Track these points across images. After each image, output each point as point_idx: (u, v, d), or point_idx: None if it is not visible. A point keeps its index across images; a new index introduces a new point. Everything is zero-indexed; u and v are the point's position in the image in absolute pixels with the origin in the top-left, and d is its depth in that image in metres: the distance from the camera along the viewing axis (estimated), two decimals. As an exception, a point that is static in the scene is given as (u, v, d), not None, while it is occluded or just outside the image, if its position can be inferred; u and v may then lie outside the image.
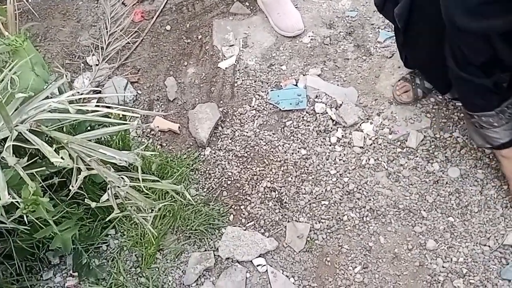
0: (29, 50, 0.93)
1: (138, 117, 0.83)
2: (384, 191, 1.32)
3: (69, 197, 1.00)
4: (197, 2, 1.79)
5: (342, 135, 1.42)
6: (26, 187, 0.85)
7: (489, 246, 1.22)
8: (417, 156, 1.36)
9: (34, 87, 0.91)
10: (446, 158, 1.34)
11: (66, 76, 0.73)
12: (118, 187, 0.86)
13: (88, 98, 1.53)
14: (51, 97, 0.88)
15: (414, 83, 1.41)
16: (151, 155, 0.86)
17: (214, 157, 1.47)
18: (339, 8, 1.69)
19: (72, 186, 0.85)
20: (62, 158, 0.66)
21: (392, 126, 1.41)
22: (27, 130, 0.68)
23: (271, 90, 1.55)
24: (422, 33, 1.12)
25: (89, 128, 1.00)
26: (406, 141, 1.38)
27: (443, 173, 1.32)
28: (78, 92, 1.54)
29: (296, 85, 1.56)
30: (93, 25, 1.75)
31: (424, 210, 1.29)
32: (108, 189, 0.89)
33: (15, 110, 0.69)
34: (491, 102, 1.11)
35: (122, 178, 0.86)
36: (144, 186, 0.89)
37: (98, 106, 0.73)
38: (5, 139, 0.71)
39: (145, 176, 0.94)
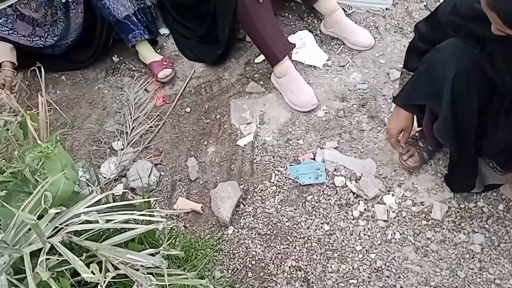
0: (59, 154, 0.99)
1: (163, 221, 0.86)
2: (413, 268, 1.28)
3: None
4: (215, 83, 1.88)
5: (365, 209, 1.42)
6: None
7: (531, 324, 1.15)
8: (443, 228, 1.33)
9: (65, 189, 0.95)
10: (473, 229, 1.30)
11: (96, 192, 0.77)
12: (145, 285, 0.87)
13: (114, 184, 1.59)
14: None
15: (417, 146, 1.42)
16: (176, 254, 0.87)
17: (237, 236, 1.48)
18: (350, 82, 1.75)
19: (101, 286, 0.86)
20: (92, 272, 0.68)
21: (415, 198, 1.40)
22: (59, 242, 0.71)
23: (290, 165, 1.58)
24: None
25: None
26: (431, 212, 1.36)
27: (471, 245, 1.29)
28: (105, 177, 1.60)
29: (314, 159, 1.58)
30: (118, 112, 1.85)
31: (457, 287, 1.24)
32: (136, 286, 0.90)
33: (48, 223, 0.74)
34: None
35: (149, 277, 0.87)
36: (170, 284, 0.90)
37: (124, 213, 0.76)
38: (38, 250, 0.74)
39: (170, 271, 0.95)
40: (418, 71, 1.16)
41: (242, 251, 1.44)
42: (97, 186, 1.06)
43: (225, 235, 1.48)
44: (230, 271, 1.41)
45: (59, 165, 0.98)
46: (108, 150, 1.74)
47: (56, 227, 0.74)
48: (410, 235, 1.34)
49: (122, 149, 1.72)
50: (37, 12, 1.76)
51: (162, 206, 1.58)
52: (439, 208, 1.34)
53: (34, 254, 0.83)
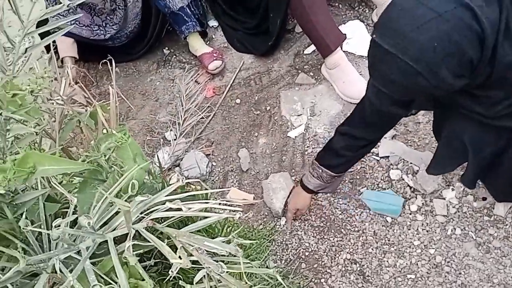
0: (131, 143, 1.03)
1: (240, 210, 0.88)
2: (475, 264, 1.25)
3: (167, 279, 1.04)
4: (264, 75, 1.89)
5: (423, 203, 1.39)
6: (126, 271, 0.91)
7: None
8: (506, 225, 1.29)
9: (137, 178, 0.98)
10: (541, 227, 1.26)
11: (182, 180, 0.80)
12: (215, 272, 0.90)
13: (168, 173, 1.63)
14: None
15: None
16: (247, 242, 0.89)
17: (290, 227, 1.48)
18: (404, 73, 1.71)
19: (172, 271, 0.89)
20: (179, 257, 0.70)
21: (476, 193, 1.36)
22: (143, 228, 0.74)
23: (367, 189, 1.47)
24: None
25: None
26: (493, 208, 1.32)
27: (539, 243, 1.24)
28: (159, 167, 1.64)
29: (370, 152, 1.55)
30: (170, 103, 1.89)
31: (523, 285, 1.20)
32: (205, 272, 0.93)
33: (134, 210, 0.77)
34: None
35: (220, 264, 0.90)
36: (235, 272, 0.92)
37: (202, 202, 0.79)
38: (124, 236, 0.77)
39: (237, 259, 0.97)
40: (439, 149, 1.18)
41: (295, 242, 1.45)
42: (181, 176, 1.09)
43: (277, 226, 1.50)
44: (283, 261, 1.42)
45: (131, 154, 1.02)
46: (162, 140, 1.78)
47: (139, 215, 0.77)
48: (471, 231, 1.30)
49: (175, 139, 1.76)
50: None
51: (214, 197, 1.61)
52: (502, 204, 1.30)
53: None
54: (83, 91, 1.36)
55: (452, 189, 1.38)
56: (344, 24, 1.92)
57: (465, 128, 1.06)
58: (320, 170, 1.29)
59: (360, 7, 1.96)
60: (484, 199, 1.34)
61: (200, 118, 1.81)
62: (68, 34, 1.84)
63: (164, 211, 0.75)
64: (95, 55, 1.99)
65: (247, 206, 1.57)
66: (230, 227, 1.48)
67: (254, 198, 1.58)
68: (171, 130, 1.80)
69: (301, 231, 1.47)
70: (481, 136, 1.04)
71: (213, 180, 1.66)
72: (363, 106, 1.16)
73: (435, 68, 0.78)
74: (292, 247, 1.44)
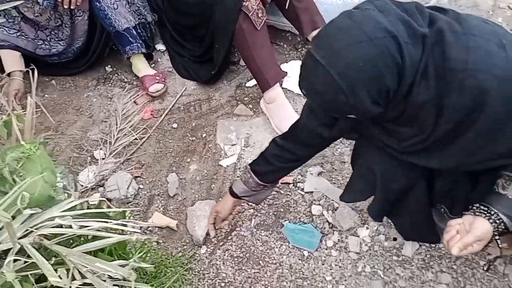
0: (41, 156, 1.00)
1: (137, 232, 0.85)
2: (380, 302, 1.30)
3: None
4: (204, 103, 1.91)
5: (339, 239, 1.43)
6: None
7: None
8: (412, 266, 1.35)
9: (42, 192, 0.95)
10: (441, 269, 1.33)
11: (75, 197, 0.77)
12: (111, 297, 0.87)
13: (91, 193, 1.58)
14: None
15: None
16: (146, 267, 0.87)
17: (210, 256, 1.47)
18: (336, 114, 1.79)
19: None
20: (59, 276, 0.68)
21: (388, 233, 1.42)
22: (29, 243, 0.71)
23: (289, 223, 1.49)
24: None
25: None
26: (402, 249, 1.38)
27: (438, 284, 1.31)
28: (82, 185, 1.59)
29: (294, 184, 1.59)
30: (104, 121, 1.85)
31: (422, 325, 1.25)
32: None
33: (21, 224, 0.73)
34: None
35: (115, 288, 0.87)
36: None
37: (99, 221, 0.77)
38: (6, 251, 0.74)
39: (138, 285, 0.94)
40: (352, 177, 1.27)
41: (213, 272, 1.43)
42: (75, 191, 1.05)
43: (197, 255, 1.48)
44: (198, 291, 1.40)
45: (39, 167, 0.98)
46: (89, 158, 1.73)
47: (28, 229, 0.73)
48: (379, 270, 1.35)
49: (103, 159, 1.72)
50: (41, 15, 1.78)
51: (137, 220, 1.57)
52: (410, 245, 1.37)
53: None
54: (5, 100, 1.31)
55: (367, 228, 1.44)
56: (287, 62, 2.00)
57: (378, 161, 1.12)
58: (248, 175, 1.32)
59: (304, 49, 2.06)
60: (394, 239, 1.41)
61: (134, 139, 1.79)
62: (14, 47, 1.81)
63: (52, 227, 0.73)
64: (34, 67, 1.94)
65: (169, 232, 1.54)
66: (146, 252, 1.44)
67: (177, 224, 1.56)
68: (101, 149, 1.75)
69: (220, 261, 1.45)
70: (390, 170, 1.11)
71: (137, 203, 1.62)
72: (297, 122, 1.22)
73: (356, 87, 0.82)
74: (209, 277, 1.42)
